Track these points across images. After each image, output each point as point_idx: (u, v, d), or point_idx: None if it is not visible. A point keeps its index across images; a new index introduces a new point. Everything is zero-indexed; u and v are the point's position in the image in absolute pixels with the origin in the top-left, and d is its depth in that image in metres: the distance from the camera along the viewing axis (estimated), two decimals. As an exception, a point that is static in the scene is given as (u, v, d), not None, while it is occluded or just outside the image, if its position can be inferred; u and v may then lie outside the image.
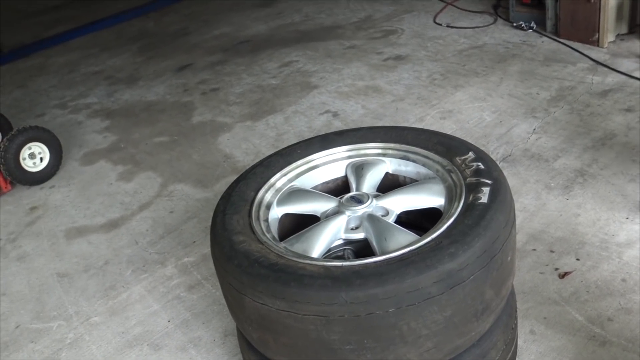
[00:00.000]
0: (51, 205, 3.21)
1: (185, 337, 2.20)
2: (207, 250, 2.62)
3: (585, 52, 3.72)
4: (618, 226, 2.39)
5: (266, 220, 1.75)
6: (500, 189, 1.62)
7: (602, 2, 3.64)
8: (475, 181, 1.67)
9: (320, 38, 4.74)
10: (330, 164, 1.97)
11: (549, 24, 4.03)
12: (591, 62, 3.61)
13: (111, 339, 2.26)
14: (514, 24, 4.24)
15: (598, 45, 3.76)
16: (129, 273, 2.57)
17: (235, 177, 3.14)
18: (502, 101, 3.37)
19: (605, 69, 3.51)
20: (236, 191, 1.83)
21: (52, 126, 3.90)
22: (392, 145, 1.95)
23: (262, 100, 3.89)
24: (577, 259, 2.25)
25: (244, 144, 3.41)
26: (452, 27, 4.45)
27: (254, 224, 1.69)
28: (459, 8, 4.78)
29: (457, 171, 1.74)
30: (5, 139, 3.30)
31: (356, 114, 3.49)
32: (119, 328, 2.30)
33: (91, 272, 2.62)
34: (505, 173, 2.45)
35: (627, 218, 2.42)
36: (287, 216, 1.86)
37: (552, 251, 2.32)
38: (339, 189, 1.98)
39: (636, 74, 3.40)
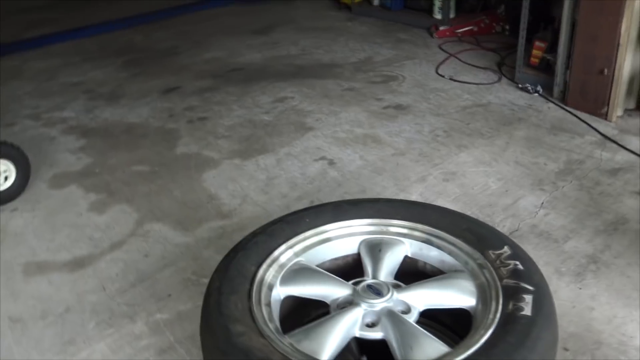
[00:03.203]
0: (11, 231, 2.90)
1: (152, 413, 1.92)
2: (183, 307, 2.35)
3: (593, 124, 3.59)
4: (636, 327, 2.20)
5: (268, 304, 1.50)
6: (544, 299, 1.41)
7: (615, 75, 3.53)
8: (513, 285, 1.45)
9: (317, 75, 4.54)
10: (342, 238, 1.74)
11: (556, 90, 3.91)
12: (599, 136, 3.48)
13: (64, 406, 1.97)
14: (519, 85, 4.10)
15: (606, 119, 3.64)
16: (92, 326, 2.28)
17: (219, 222, 2.91)
18: (508, 168, 3.20)
19: (614, 145, 3.38)
20: (234, 264, 1.59)
21: (22, 139, 3.59)
22: (413, 224, 1.73)
23: (252, 137, 3.65)
24: (594, 363, 2.05)
25: (231, 185, 3.16)
26: (455, 80, 4.30)
27: (255, 309, 1.44)
28: (461, 61, 4.64)
29: (491, 268, 1.53)
30: (-32, 152, 3.00)
31: (354, 165, 3.27)
32: (74, 394, 2.01)
33: (49, 320, 2.32)
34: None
35: (646, 319, 2.23)
36: (288, 297, 1.62)
37: (566, 349, 2.12)
38: (348, 267, 1.75)
39: (646, 155, 3.27)
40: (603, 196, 2.95)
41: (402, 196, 2.97)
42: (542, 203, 2.92)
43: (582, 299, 2.34)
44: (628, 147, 3.35)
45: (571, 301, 2.33)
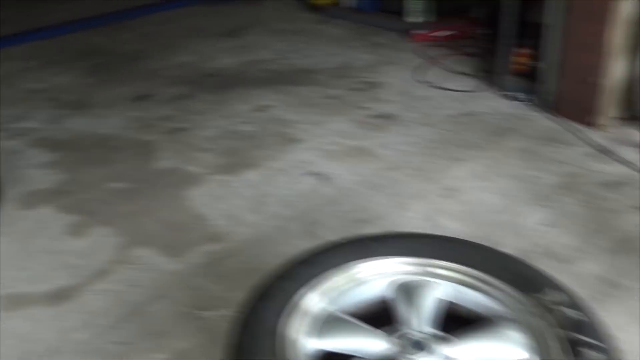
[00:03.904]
0: (-20, 260, 2.65)
1: None
2: (183, 344, 2.17)
3: (582, 134, 3.54)
4: (666, 359, 2.13)
5: (300, 364, 1.35)
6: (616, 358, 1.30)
7: (604, 83, 3.49)
8: (579, 340, 1.33)
9: (295, 82, 4.38)
10: (371, 281, 1.60)
11: (543, 97, 3.85)
12: (591, 147, 3.43)
13: None
14: (504, 93, 4.03)
15: (595, 128, 3.60)
16: (82, 371, 2.08)
17: (211, 246, 2.71)
18: (505, 182, 3.12)
19: (607, 156, 3.33)
20: (255, 315, 1.42)
21: (-16, 154, 3.33)
22: (449, 264, 1.60)
23: (237, 150, 3.47)
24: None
25: (220, 204, 2.97)
26: (438, 87, 4.20)
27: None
28: (442, 67, 4.56)
29: (548, 317, 1.40)
30: None
31: (347, 181, 3.13)
32: None
33: (31, 364, 2.11)
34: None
35: (674, 348, 2.16)
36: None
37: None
38: (376, 312, 1.60)
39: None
40: (604, 212, 2.89)
41: (403, 215, 2.85)
42: (545, 220, 2.84)
43: (610, 330, 2.25)
44: (621, 158, 3.32)
45: (588, 327, 2.24)
